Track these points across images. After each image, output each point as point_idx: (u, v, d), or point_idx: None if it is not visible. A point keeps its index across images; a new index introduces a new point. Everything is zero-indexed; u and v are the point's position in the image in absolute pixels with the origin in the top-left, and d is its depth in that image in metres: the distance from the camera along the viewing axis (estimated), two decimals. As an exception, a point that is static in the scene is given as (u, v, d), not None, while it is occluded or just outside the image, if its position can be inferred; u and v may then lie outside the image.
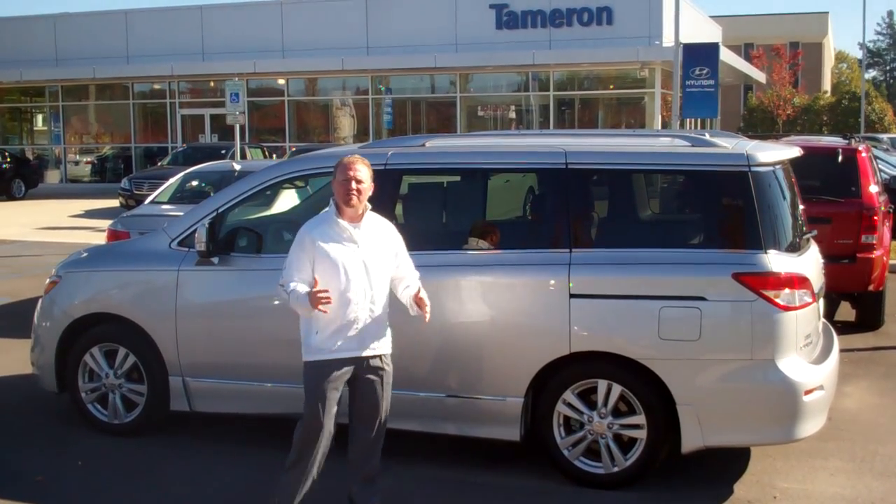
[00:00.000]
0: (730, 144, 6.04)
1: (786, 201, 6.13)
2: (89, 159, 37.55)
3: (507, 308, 6.00)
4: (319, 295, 4.91)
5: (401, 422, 6.02)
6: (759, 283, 5.58)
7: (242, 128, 26.20)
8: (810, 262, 6.16)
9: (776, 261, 5.64)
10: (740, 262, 5.64)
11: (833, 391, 6.09)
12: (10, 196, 29.63)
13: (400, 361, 5.51)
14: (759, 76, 41.95)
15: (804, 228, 6.50)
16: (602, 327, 5.83)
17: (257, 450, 6.67)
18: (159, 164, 27.62)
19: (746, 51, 48.00)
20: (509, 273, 6.02)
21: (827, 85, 61.16)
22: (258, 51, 32.34)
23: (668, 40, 27.27)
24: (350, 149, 7.34)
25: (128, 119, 35.83)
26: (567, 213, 6.06)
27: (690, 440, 5.73)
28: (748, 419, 5.72)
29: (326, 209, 5.22)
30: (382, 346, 5.23)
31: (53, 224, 22.37)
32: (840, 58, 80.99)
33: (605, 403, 5.86)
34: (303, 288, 5.05)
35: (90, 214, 24.54)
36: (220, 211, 6.73)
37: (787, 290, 5.61)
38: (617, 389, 5.83)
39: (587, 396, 5.93)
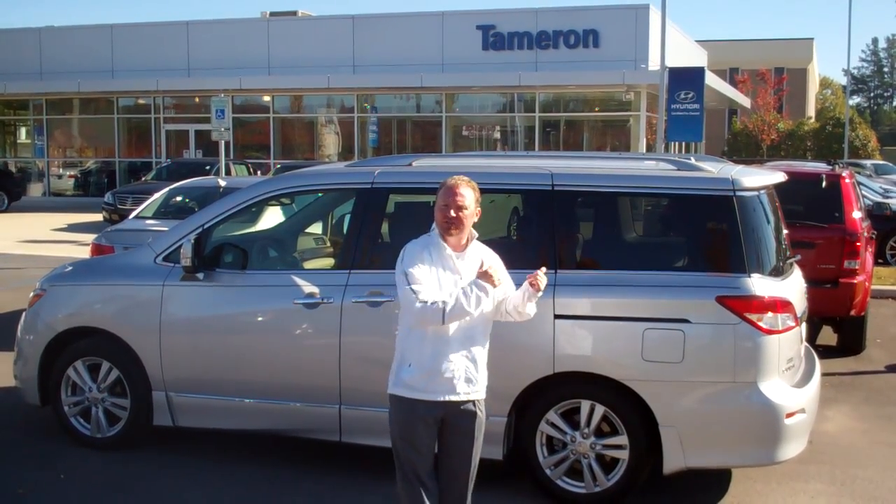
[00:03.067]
0: (715, 169, 6.10)
1: (770, 226, 6.19)
2: (73, 173, 37.34)
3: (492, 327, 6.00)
4: (489, 272, 4.51)
5: (383, 440, 5.97)
6: (743, 306, 5.63)
7: (227, 144, 26.13)
8: (793, 287, 6.21)
9: (759, 284, 5.69)
10: (724, 285, 5.68)
11: (814, 415, 6.13)
12: (-7, 209, 29.50)
13: (384, 379, 5.45)
14: (744, 101, 42.19)
15: (788, 253, 6.56)
16: (586, 348, 5.87)
17: (241, 466, 6.66)
18: (143, 179, 27.55)
19: (731, 75, 48.41)
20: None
21: (811, 110, 61.67)
22: (244, 67, 32.34)
23: (653, 64, 27.44)
24: (337, 167, 7.37)
25: (112, 133, 35.67)
26: (552, 234, 6.09)
27: (672, 461, 5.76)
28: (730, 441, 5.75)
29: (430, 233, 4.79)
30: (477, 391, 4.76)
31: (36, 237, 22.25)
32: (825, 84, 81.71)
33: (588, 424, 5.89)
34: (455, 291, 4.56)
35: (73, 228, 24.44)
36: (205, 227, 6.75)
37: (770, 314, 5.66)
38: (600, 410, 5.86)
39: (570, 416, 5.96)
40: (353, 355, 6.21)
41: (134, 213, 13.47)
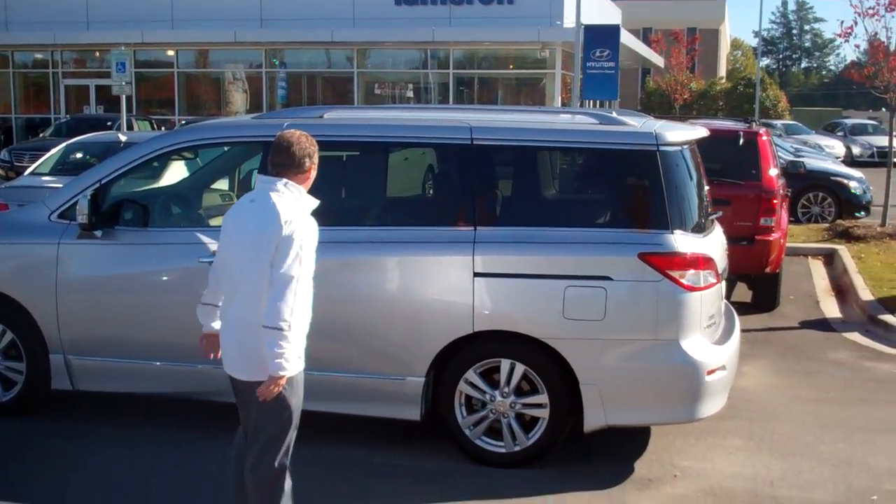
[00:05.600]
0: (638, 123, 5.96)
1: (692, 182, 6.07)
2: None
3: (410, 286, 5.82)
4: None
5: (309, 403, 5.84)
6: (665, 263, 5.53)
7: (130, 99, 25.31)
8: (715, 244, 6.13)
9: (682, 241, 5.59)
10: (646, 241, 5.57)
11: (734, 372, 6.09)
12: None
13: (309, 342, 5.28)
14: (658, 60, 42.49)
15: (709, 209, 6.46)
16: (506, 306, 5.71)
17: (145, 430, 6.36)
18: (42, 135, 26.53)
19: (645, 35, 48.52)
20: (412, 250, 5.82)
21: (723, 71, 62.39)
22: (146, 20, 31.06)
23: (569, 21, 27.36)
24: (243, 119, 7.01)
25: (8, 89, 34.27)
26: (472, 190, 5.90)
27: (593, 419, 5.67)
28: (651, 399, 5.68)
29: (285, 191, 4.29)
30: None
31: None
32: (735, 45, 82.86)
33: (508, 383, 5.76)
34: None
35: (-32, 186, 23.40)
36: (103, 182, 6.39)
37: (692, 271, 5.57)
38: (520, 369, 5.73)
39: (489, 375, 5.82)
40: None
41: (29, 170, 12.84)
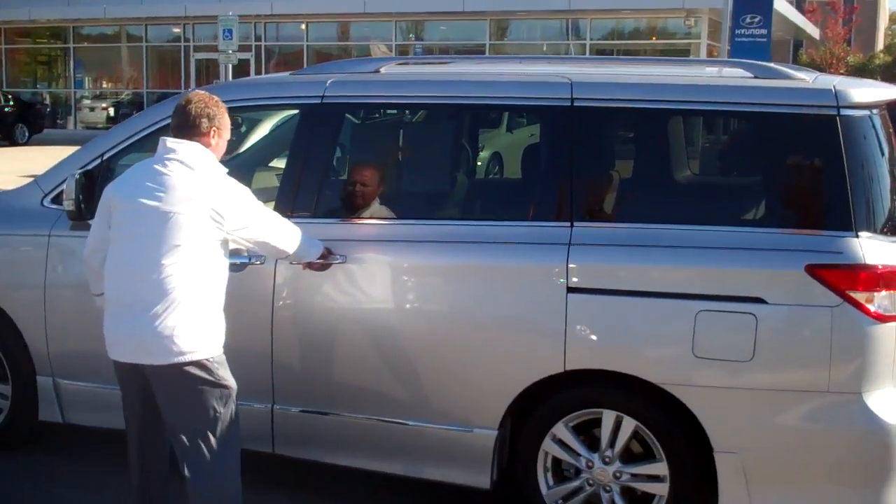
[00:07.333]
0: (808, 77, 4.27)
1: (885, 161, 4.30)
2: (105, 105, 36.41)
3: (477, 304, 4.32)
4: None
5: (331, 455, 4.63)
6: (846, 280, 3.87)
7: (259, 73, 24.80)
8: (918, 252, 4.35)
9: (871, 248, 3.90)
10: (818, 248, 3.93)
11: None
12: (11, 141, 28.54)
13: (326, 375, 4.38)
14: (813, 31, 40.66)
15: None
16: (612, 336, 4.16)
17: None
18: (164, 108, 26.35)
19: (799, 4, 46.15)
20: (483, 254, 4.33)
21: (880, 45, 59.20)
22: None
23: (716, -13, 25.56)
24: (279, 77, 5.57)
25: (141, 63, 34.81)
26: (570, 170, 4.34)
27: (732, 502, 4.06)
28: (819, 478, 4.04)
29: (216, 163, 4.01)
30: None
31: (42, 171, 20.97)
32: (894, 19, 78.38)
33: (612, 443, 4.24)
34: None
35: (88, 162, 23.20)
36: (104, 157, 5.09)
37: (884, 293, 3.89)
38: (629, 425, 4.19)
39: (587, 432, 4.31)
40: (288, 335, 4.57)
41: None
